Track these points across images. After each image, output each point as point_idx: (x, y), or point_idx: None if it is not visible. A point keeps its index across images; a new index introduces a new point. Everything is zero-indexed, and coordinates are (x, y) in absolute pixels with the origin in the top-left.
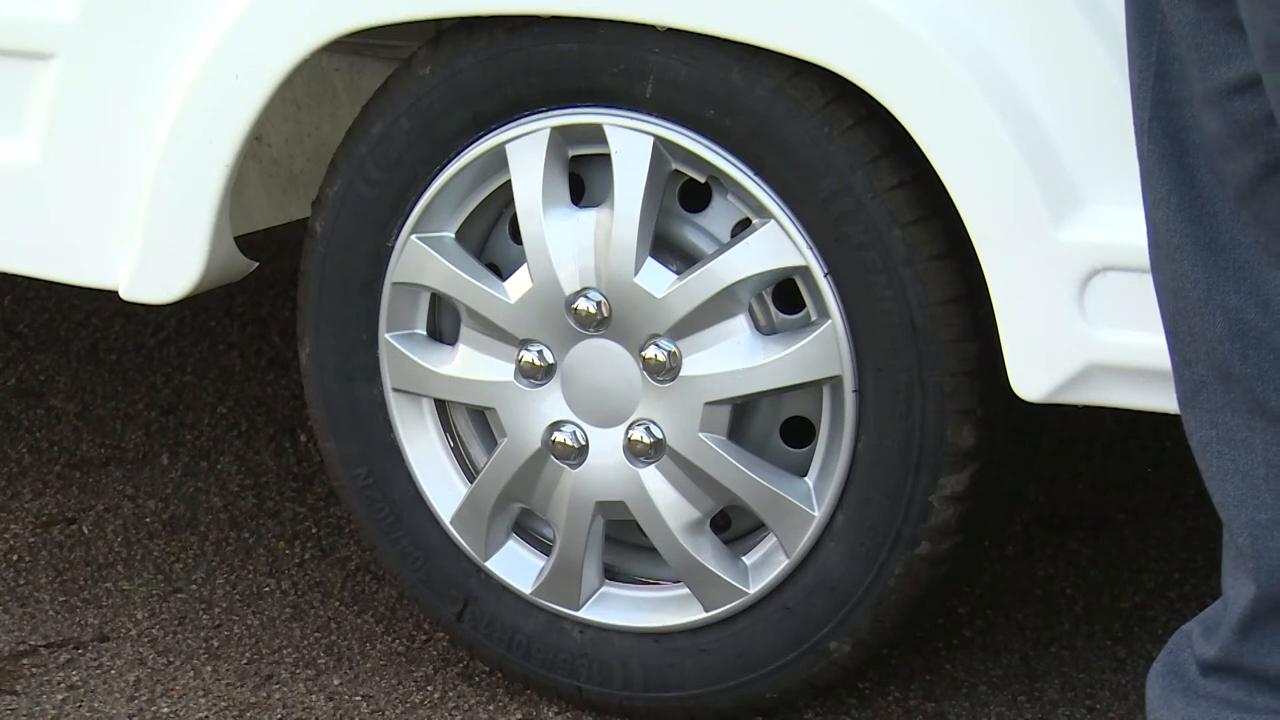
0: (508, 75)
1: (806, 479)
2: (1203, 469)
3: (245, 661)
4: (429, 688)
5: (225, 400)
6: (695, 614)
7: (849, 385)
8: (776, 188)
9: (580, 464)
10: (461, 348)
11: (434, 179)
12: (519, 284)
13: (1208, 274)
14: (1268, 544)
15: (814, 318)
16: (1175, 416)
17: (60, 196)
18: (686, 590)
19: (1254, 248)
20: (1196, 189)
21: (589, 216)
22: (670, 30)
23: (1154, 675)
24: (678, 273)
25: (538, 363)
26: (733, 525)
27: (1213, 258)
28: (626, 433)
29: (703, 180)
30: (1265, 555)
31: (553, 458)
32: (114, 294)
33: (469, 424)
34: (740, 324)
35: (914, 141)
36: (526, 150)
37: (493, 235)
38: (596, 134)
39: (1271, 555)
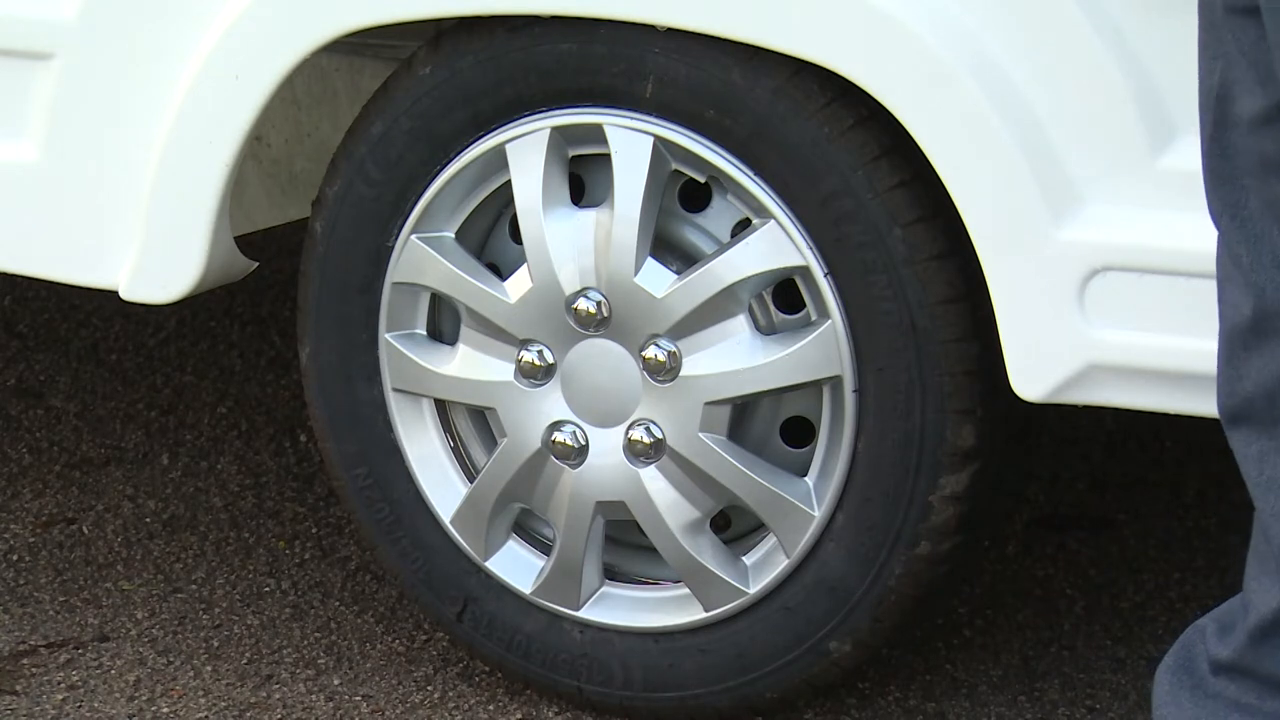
0: (508, 75)
1: (806, 479)
2: (1249, 477)
3: (245, 661)
4: (429, 688)
5: (225, 400)
6: (695, 614)
7: (849, 385)
8: (776, 188)
9: (580, 464)
10: (461, 348)
11: (434, 179)
12: (519, 284)
13: (1255, 295)
14: None
15: (814, 318)
16: (1175, 416)
17: (60, 197)
18: (686, 590)
19: None
20: (1248, 209)
21: (589, 216)
22: (670, 30)
23: (1163, 669)
24: (678, 273)
25: (538, 363)
26: (733, 525)
27: (1263, 277)
28: (626, 433)
29: (703, 180)
30: None
31: (553, 458)
32: (114, 294)
33: (469, 424)
34: (740, 324)
35: (914, 141)
36: (526, 150)
37: (493, 235)
38: (596, 134)
39: None
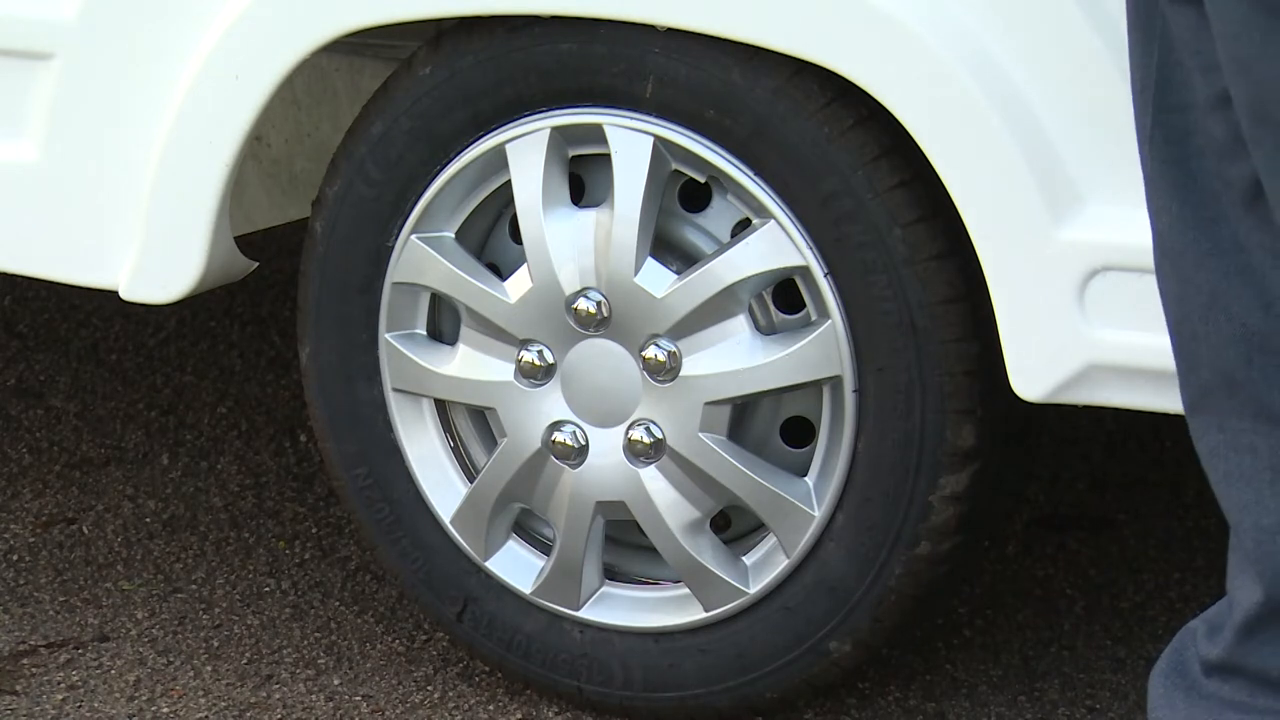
0: (508, 75)
1: (806, 479)
2: (1209, 474)
3: (245, 661)
4: (429, 688)
5: (225, 400)
6: (695, 614)
7: (849, 385)
8: (776, 188)
9: (580, 464)
10: (461, 348)
11: (434, 179)
12: (519, 284)
13: (1211, 279)
14: (1272, 548)
15: (814, 318)
16: (1175, 416)
17: (60, 196)
18: (686, 590)
19: (1258, 251)
20: (1200, 194)
21: (589, 216)
22: (670, 30)
23: (1157, 673)
24: (678, 273)
25: (538, 363)
26: (733, 525)
27: (1216, 263)
28: (626, 433)
29: (703, 180)
30: (1270, 559)
31: (553, 458)
32: (114, 294)
33: (469, 424)
34: (740, 324)
35: (914, 141)
36: (526, 150)
37: (493, 235)
38: (596, 134)
39: (1276, 559)
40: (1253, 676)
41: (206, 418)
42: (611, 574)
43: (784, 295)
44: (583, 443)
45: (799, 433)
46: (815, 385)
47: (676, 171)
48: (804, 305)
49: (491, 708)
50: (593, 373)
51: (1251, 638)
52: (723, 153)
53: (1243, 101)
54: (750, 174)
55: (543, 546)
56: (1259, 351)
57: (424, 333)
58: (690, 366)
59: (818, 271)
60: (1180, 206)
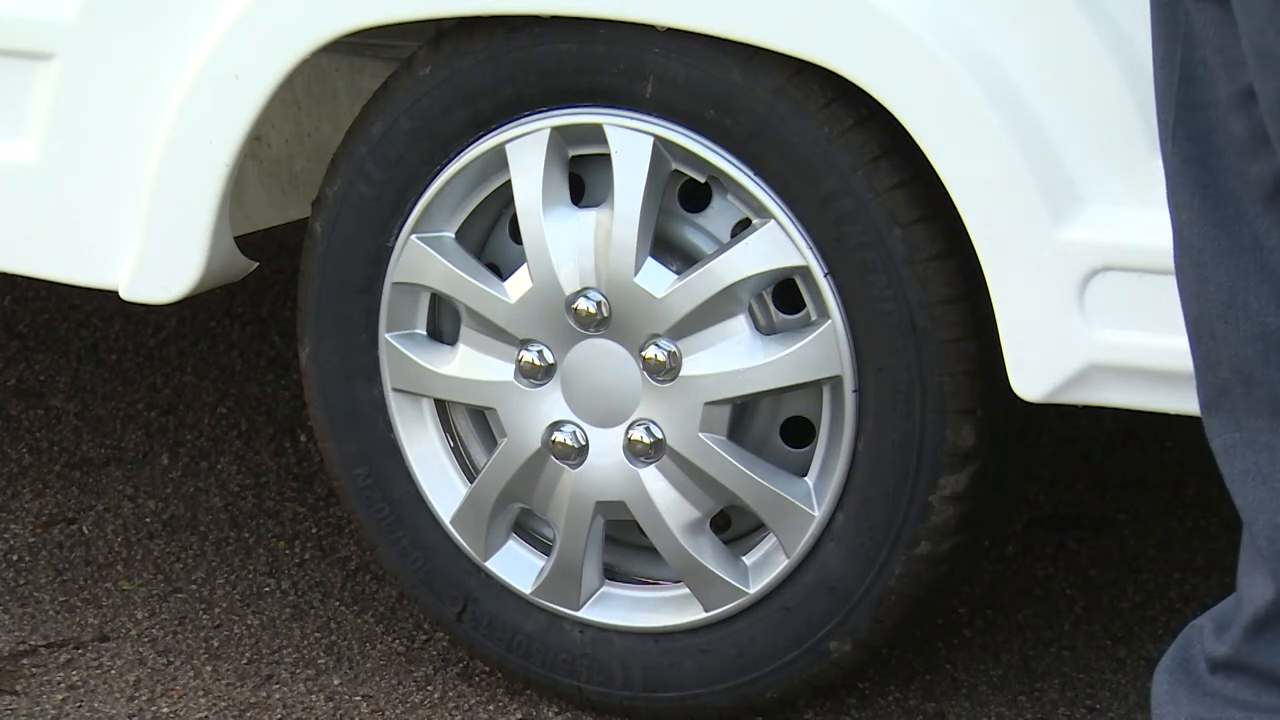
0: (508, 75)
1: (806, 479)
2: (1224, 472)
3: (245, 661)
4: (429, 688)
5: (225, 400)
6: (695, 614)
7: (849, 385)
8: (776, 188)
9: (580, 464)
10: (461, 348)
11: (434, 179)
12: (519, 284)
13: (1231, 277)
14: None
15: (814, 318)
16: (1175, 416)
17: (60, 196)
18: (686, 590)
19: (1278, 249)
20: (1220, 192)
21: (589, 216)
22: (670, 30)
23: (1161, 669)
24: (678, 273)
25: (538, 363)
26: (733, 525)
27: (1236, 261)
28: (626, 433)
29: (703, 180)
30: None
31: (553, 458)
32: (114, 294)
33: (469, 424)
34: (740, 324)
35: (914, 141)
36: (526, 150)
37: (493, 235)
38: (596, 134)
39: None
40: (1258, 674)
41: (206, 418)
42: (611, 574)
43: (784, 295)
44: (583, 443)
45: (799, 433)
46: (815, 385)
47: (676, 171)
48: (804, 305)
49: (491, 708)
50: (593, 373)
51: (1259, 636)
52: (723, 153)
53: (1268, 95)
54: (750, 174)
55: (543, 546)
56: (1277, 350)
57: (424, 333)
58: (690, 366)
59: (818, 271)
60: (1200, 204)
